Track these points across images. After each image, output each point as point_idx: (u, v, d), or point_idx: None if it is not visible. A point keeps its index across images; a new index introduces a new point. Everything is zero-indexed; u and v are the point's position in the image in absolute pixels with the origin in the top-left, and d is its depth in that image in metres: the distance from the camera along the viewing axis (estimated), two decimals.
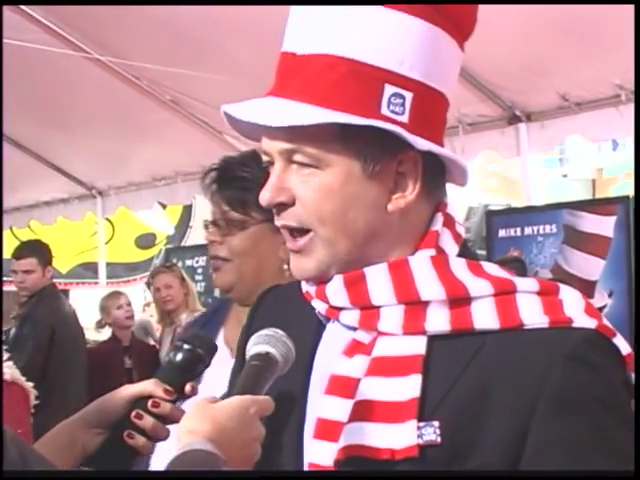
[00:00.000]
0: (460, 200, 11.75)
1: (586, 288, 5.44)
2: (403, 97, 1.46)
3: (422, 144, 1.47)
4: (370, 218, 1.50)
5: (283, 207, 1.51)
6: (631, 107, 4.83)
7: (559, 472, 1.38)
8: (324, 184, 1.48)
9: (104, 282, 9.37)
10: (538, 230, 5.82)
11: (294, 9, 1.52)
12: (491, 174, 18.27)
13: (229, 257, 2.58)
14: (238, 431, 1.35)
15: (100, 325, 7.89)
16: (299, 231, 1.52)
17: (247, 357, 1.48)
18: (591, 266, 5.52)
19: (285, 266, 2.50)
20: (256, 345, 1.47)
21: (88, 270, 13.39)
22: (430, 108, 1.50)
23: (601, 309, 5.33)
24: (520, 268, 5.45)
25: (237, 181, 2.56)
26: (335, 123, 1.43)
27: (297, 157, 1.48)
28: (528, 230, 5.88)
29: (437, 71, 1.51)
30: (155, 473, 1.13)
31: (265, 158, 1.54)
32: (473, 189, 15.84)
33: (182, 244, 12.78)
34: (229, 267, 2.59)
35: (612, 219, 5.48)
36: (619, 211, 5.49)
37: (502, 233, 6.05)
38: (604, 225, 5.50)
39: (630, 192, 6.18)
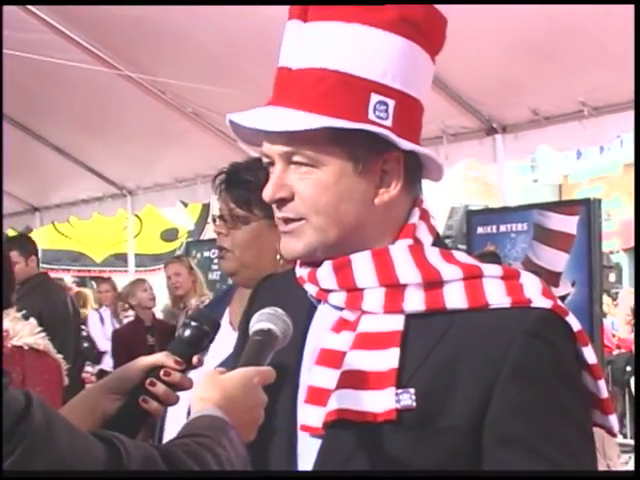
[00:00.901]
0: (444, 201, 11.73)
1: (552, 278, 5.44)
2: (387, 104, 1.48)
3: (405, 144, 1.49)
4: (359, 210, 1.51)
5: (283, 202, 1.53)
6: (593, 121, 4.85)
7: (560, 472, 1.39)
8: (320, 180, 1.49)
9: (133, 270, 9.36)
10: (511, 228, 5.81)
11: (288, 27, 1.53)
12: (471, 179, 18.24)
13: (231, 248, 2.64)
14: (243, 398, 1.36)
15: (126, 308, 7.88)
16: (294, 220, 1.52)
17: (250, 333, 1.48)
18: (557, 259, 5.52)
19: (279, 256, 2.53)
20: (259, 322, 1.48)
21: (119, 259, 13.38)
22: (410, 113, 1.52)
23: (565, 296, 5.33)
24: (495, 261, 5.41)
25: (243, 183, 2.60)
26: (329, 127, 1.44)
27: (296, 158, 1.49)
28: (503, 228, 5.87)
29: (414, 81, 1.52)
30: (158, 473, 1.09)
31: (265, 160, 1.55)
32: (455, 192, 15.82)
33: (201, 238, 12.73)
34: (231, 256, 2.64)
35: (575, 219, 5.48)
36: (581, 212, 5.49)
37: (480, 230, 6.05)
38: (568, 224, 5.50)
39: (591, 195, 6.19)
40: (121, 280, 10.18)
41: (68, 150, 7.80)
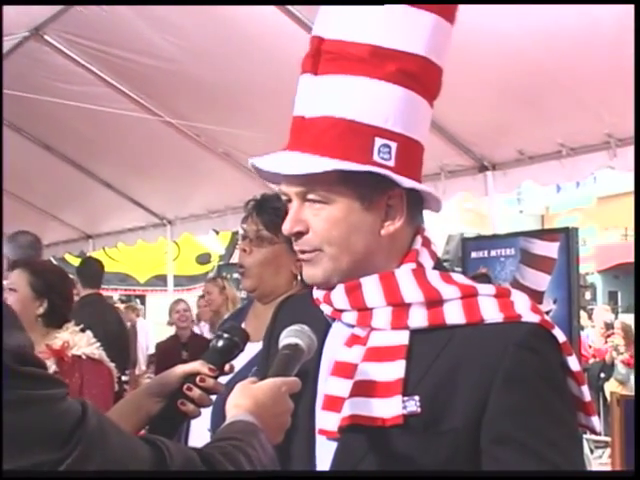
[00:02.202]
0: (442, 229, 11.72)
1: (536, 297, 5.41)
2: (389, 147, 1.46)
3: (407, 182, 1.47)
4: (367, 241, 1.50)
5: (300, 235, 1.52)
6: (570, 160, 4.84)
7: (560, 472, 1.37)
8: (331, 216, 1.48)
9: (172, 289, 9.36)
10: (501, 253, 5.80)
11: (301, 80, 1.52)
12: (466, 210, 18.25)
13: (252, 266, 2.64)
14: (272, 405, 1.35)
15: (169, 323, 7.95)
16: (310, 251, 1.51)
17: (280, 347, 1.46)
18: (540, 280, 5.50)
19: (296, 278, 2.60)
20: (287, 337, 1.46)
21: (160, 280, 13.41)
22: (410, 153, 1.50)
23: (548, 312, 5.31)
24: (487, 281, 5.36)
25: (272, 209, 2.60)
26: (338, 170, 1.43)
27: (310, 196, 1.48)
28: (493, 253, 5.86)
29: (414, 125, 1.50)
30: (162, 473, 1.08)
31: (284, 197, 1.54)
32: (452, 221, 15.84)
33: (230, 261, 12.77)
34: (252, 273, 2.63)
35: (556, 245, 5.47)
36: (561, 239, 5.48)
37: (474, 255, 6.03)
38: (550, 249, 5.48)
39: (569, 224, 6.19)
40: (162, 298, 10.21)
41: (117, 186, 7.84)
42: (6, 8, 4.82)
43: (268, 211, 2.63)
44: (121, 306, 12.18)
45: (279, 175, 1.50)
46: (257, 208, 2.67)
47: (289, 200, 1.53)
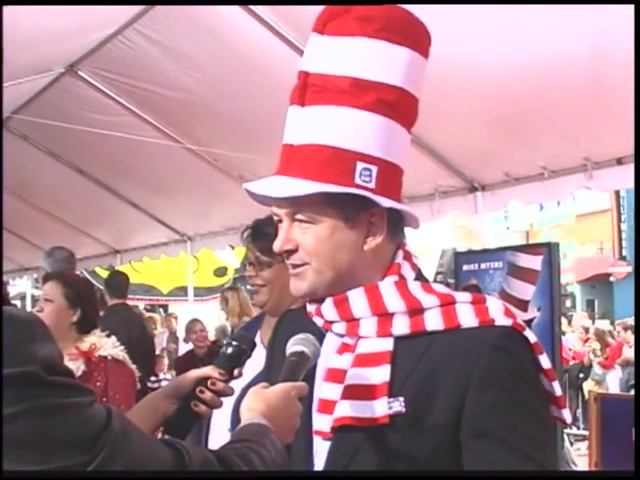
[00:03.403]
0: (436, 245, 11.71)
1: (522, 305, 5.40)
2: (370, 170, 1.45)
3: (386, 203, 1.46)
4: (351, 256, 1.49)
5: (290, 252, 1.51)
6: (551, 181, 4.83)
7: (561, 472, 1.37)
8: (318, 234, 1.47)
9: (192, 299, 9.37)
10: (490, 266, 5.79)
11: (290, 111, 1.51)
12: (458, 227, 18.20)
13: (264, 283, 2.65)
14: (283, 408, 1.34)
15: (185, 340, 7.97)
16: (299, 265, 1.50)
17: (287, 354, 1.45)
18: (526, 290, 5.48)
19: None
20: (294, 345, 1.46)
21: (181, 291, 13.36)
22: (390, 176, 1.49)
23: (533, 319, 5.30)
24: (477, 292, 5.41)
25: (265, 235, 2.63)
26: (323, 192, 1.42)
27: (298, 216, 1.47)
28: (483, 265, 5.85)
29: (393, 150, 1.49)
30: (164, 473, 1.07)
31: (275, 218, 1.53)
32: (445, 237, 15.80)
33: (245, 274, 12.73)
34: (264, 290, 2.66)
35: (540, 258, 5.45)
36: (544, 252, 5.47)
37: (465, 268, 6.02)
38: (534, 262, 5.46)
39: (551, 239, 6.18)
40: (183, 307, 10.20)
41: (142, 206, 7.84)
42: (44, 47, 4.85)
43: (261, 237, 2.67)
44: (147, 314, 12.21)
45: (270, 198, 1.48)
46: (252, 236, 2.72)
47: (280, 220, 1.52)
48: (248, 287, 8.29)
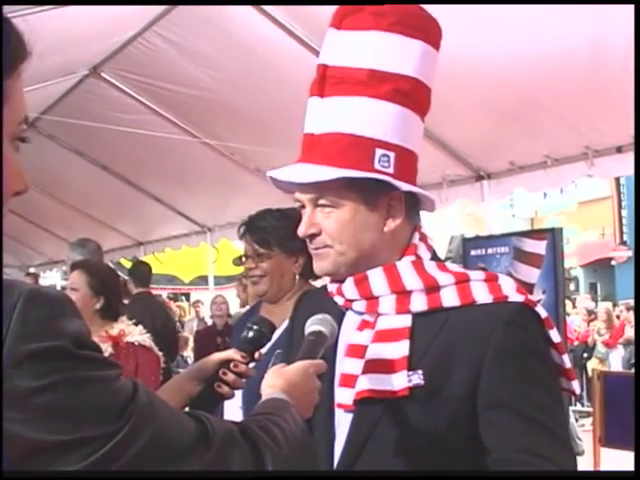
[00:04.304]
0: (445, 231, 11.69)
1: (528, 288, 5.34)
2: (388, 156, 1.46)
3: (404, 186, 1.47)
4: (372, 237, 1.50)
5: (313, 236, 1.51)
6: (554, 169, 4.80)
7: (561, 472, 1.35)
8: (340, 218, 1.48)
9: (212, 288, 9.41)
10: (496, 251, 5.76)
11: (310, 102, 1.52)
12: (465, 214, 18.18)
13: (264, 274, 2.69)
14: (302, 385, 1.34)
15: (210, 317, 8.02)
16: (323, 247, 1.51)
17: (306, 333, 1.46)
18: (531, 274, 5.45)
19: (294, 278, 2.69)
20: (312, 325, 1.46)
21: (202, 280, 13.46)
22: (407, 161, 1.50)
23: (538, 301, 5.24)
24: None
25: (259, 228, 2.66)
26: (345, 177, 1.43)
27: (321, 201, 1.49)
28: (490, 251, 5.81)
29: (408, 137, 1.50)
30: (166, 473, 1.04)
31: (298, 204, 1.54)
32: (454, 224, 15.78)
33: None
34: (264, 280, 2.70)
35: (544, 243, 5.41)
36: (548, 238, 5.42)
37: (473, 253, 5.99)
38: (539, 247, 5.43)
39: (555, 225, 6.15)
40: (204, 295, 10.23)
41: (164, 199, 7.86)
42: (69, 50, 4.87)
43: (257, 231, 2.71)
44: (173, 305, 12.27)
45: (293, 184, 1.50)
46: (247, 230, 2.75)
47: (302, 206, 1.53)
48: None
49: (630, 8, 3.07)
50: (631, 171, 4.52)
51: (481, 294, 1.45)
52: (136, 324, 3.52)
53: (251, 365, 1.58)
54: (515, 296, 1.44)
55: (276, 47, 4.57)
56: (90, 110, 6.06)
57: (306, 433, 1.26)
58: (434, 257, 1.56)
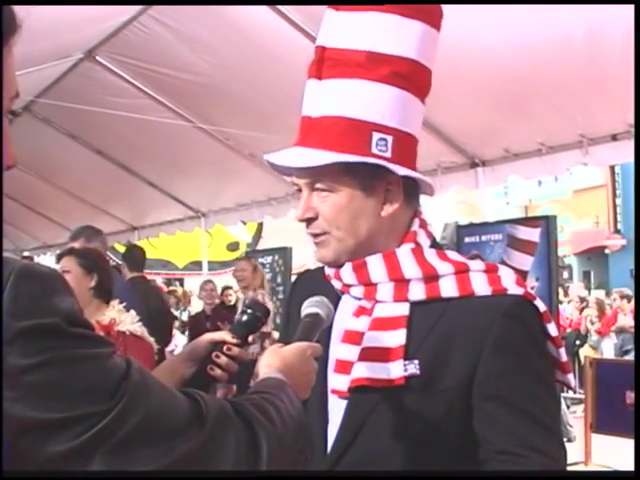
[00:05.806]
0: (439, 218, 11.69)
1: (521, 275, 5.38)
2: (386, 140, 1.44)
3: (401, 171, 1.45)
4: (370, 223, 1.48)
5: (310, 221, 1.50)
6: (549, 157, 4.82)
7: (561, 472, 1.35)
8: (337, 202, 1.46)
9: (206, 273, 9.34)
10: (490, 238, 5.77)
11: (308, 84, 1.50)
12: (459, 201, 18.18)
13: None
14: (299, 365, 1.33)
15: (198, 297, 8.21)
16: (320, 234, 1.50)
17: (302, 315, 1.44)
18: (525, 261, 5.47)
19: None
20: (308, 307, 1.44)
21: (196, 265, 13.42)
22: (405, 145, 1.47)
23: (531, 289, 5.28)
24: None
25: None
26: (341, 162, 1.41)
27: (317, 185, 1.47)
28: (484, 238, 5.82)
29: (407, 120, 1.47)
30: (162, 473, 1.03)
31: (295, 187, 1.53)
32: (448, 211, 15.79)
33: (256, 248, 12.74)
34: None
35: (538, 230, 5.43)
36: (542, 225, 5.43)
37: (467, 240, 6.00)
38: (533, 234, 5.44)
39: (549, 213, 6.16)
40: (198, 280, 10.22)
41: (158, 184, 7.85)
42: (63, 34, 4.85)
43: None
44: (167, 289, 12.27)
45: (291, 168, 1.48)
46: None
47: (299, 190, 1.51)
48: (260, 261, 8.36)
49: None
50: (626, 159, 4.54)
51: (480, 285, 1.43)
52: (128, 309, 3.50)
53: (246, 349, 1.56)
54: (514, 289, 1.42)
55: (271, 32, 4.56)
56: (85, 94, 6.05)
57: (302, 413, 1.25)
58: (434, 244, 1.54)
